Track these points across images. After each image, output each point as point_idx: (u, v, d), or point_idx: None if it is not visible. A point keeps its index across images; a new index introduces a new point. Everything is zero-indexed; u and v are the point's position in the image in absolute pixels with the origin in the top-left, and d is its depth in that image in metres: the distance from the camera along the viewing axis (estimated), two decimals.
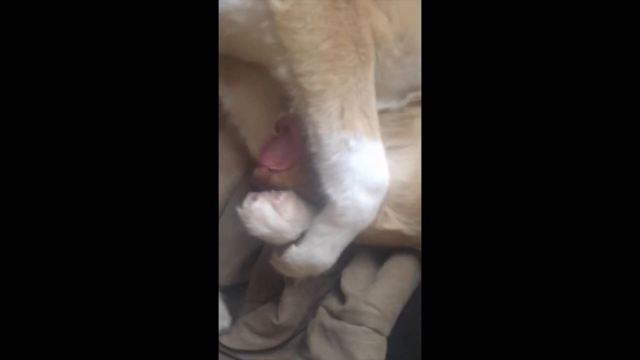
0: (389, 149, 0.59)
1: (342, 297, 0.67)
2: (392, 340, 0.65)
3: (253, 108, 0.73)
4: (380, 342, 0.63)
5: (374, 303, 0.63)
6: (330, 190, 0.55)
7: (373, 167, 0.55)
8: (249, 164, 0.80)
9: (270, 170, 0.63)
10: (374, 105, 0.56)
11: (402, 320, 0.66)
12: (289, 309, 0.69)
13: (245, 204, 0.63)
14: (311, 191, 0.63)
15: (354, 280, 0.67)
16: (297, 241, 0.59)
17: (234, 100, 0.72)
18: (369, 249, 0.69)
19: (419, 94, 0.61)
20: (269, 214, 0.61)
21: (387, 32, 0.55)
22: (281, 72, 0.55)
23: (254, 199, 0.63)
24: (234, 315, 0.80)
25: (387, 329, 0.63)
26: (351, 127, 0.54)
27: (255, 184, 0.66)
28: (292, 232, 0.62)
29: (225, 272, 0.80)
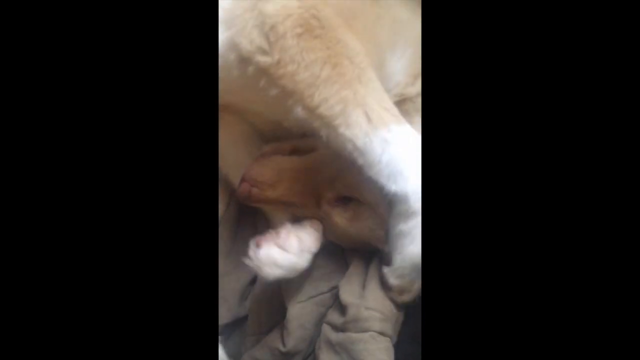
0: None
1: (342, 309, 0.67)
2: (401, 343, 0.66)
3: (230, 147, 0.75)
4: (388, 344, 0.63)
5: (374, 307, 0.63)
6: (395, 186, 0.56)
7: (415, 146, 0.57)
8: (231, 197, 0.81)
9: (251, 185, 0.64)
10: (387, 98, 0.58)
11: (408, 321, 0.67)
12: (295, 333, 0.69)
13: (252, 253, 0.64)
14: (298, 200, 0.66)
15: (351, 290, 0.68)
16: (386, 262, 0.59)
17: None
18: (360, 256, 0.71)
19: (392, 94, 0.64)
20: (277, 256, 0.63)
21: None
22: (298, 112, 0.57)
23: (258, 246, 0.64)
24: (237, 353, 0.79)
25: (391, 330, 0.64)
26: (381, 123, 0.56)
27: (240, 201, 0.68)
28: (302, 262, 0.65)
29: (224, 309, 0.79)
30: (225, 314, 0.79)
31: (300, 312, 0.70)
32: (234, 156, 0.76)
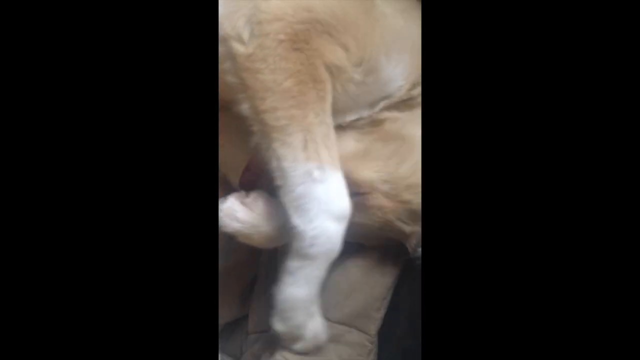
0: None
1: None
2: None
3: (226, 145, 0.75)
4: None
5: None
6: (298, 221, 0.57)
7: (337, 196, 0.57)
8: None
9: (258, 173, 0.64)
10: (333, 137, 0.59)
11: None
12: None
13: (220, 204, 0.63)
14: None
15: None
16: (270, 304, 0.60)
17: None
18: (365, 251, 0.71)
19: (391, 99, 0.65)
20: (238, 209, 0.62)
21: (345, 63, 0.59)
22: (244, 108, 0.58)
23: (225, 199, 0.64)
24: (238, 352, 0.80)
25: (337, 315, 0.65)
26: (315, 158, 0.57)
27: (245, 189, 0.67)
28: (267, 225, 0.63)
29: (225, 309, 0.79)
30: (226, 313, 0.80)
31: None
32: (230, 154, 0.76)
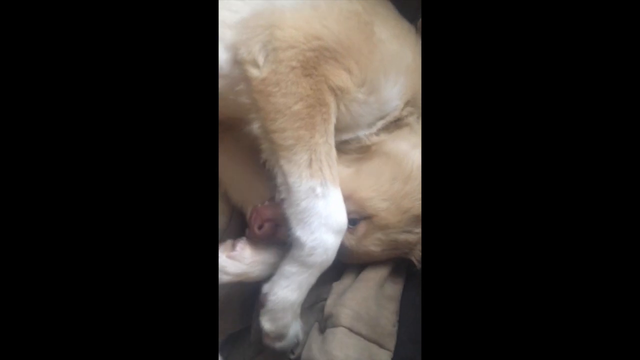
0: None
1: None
2: None
3: (230, 164, 0.79)
4: (357, 341, 0.66)
5: (347, 305, 0.68)
6: (300, 232, 0.62)
7: (336, 211, 0.63)
8: (233, 211, 0.84)
9: (276, 224, 0.67)
10: (334, 156, 0.64)
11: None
12: (303, 337, 0.72)
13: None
14: None
15: (336, 292, 0.72)
16: (261, 303, 0.65)
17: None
18: (354, 267, 0.74)
19: (387, 119, 0.70)
20: (226, 264, 0.69)
21: (349, 85, 0.64)
22: (254, 128, 0.63)
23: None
24: None
25: (363, 329, 0.67)
26: (319, 175, 0.62)
27: (262, 240, 0.70)
28: (255, 272, 0.70)
29: (227, 320, 0.81)
30: (229, 324, 0.82)
31: (303, 319, 0.73)
32: (231, 171, 0.79)
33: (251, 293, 0.82)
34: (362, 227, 0.69)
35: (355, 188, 0.68)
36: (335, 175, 0.63)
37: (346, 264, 0.76)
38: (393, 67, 0.67)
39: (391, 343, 0.67)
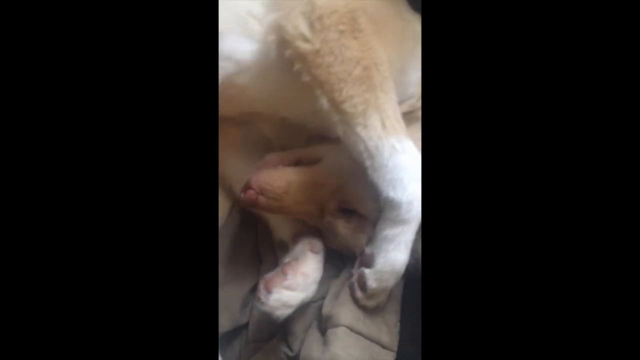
0: None
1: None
2: None
3: (235, 159, 0.78)
4: (359, 341, 0.65)
5: (346, 304, 0.66)
6: (392, 192, 0.60)
7: (417, 160, 0.61)
8: (233, 204, 0.83)
9: (258, 192, 0.66)
10: (399, 110, 0.63)
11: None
12: (301, 337, 0.70)
13: (263, 297, 0.67)
14: (303, 210, 0.68)
15: (333, 292, 0.70)
16: (367, 264, 0.62)
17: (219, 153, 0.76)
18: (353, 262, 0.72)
19: (402, 107, 0.68)
20: (287, 298, 0.67)
21: (384, 58, 0.62)
22: (323, 103, 0.61)
23: (268, 291, 0.67)
24: None
25: (364, 328, 0.66)
26: (394, 132, 0.61)
27: (243, 206, 0.70)
28: (310, 293, 0.69)
29: (225, 317, 0.79)
30: (226, 322, 0.80)
31: (304, 317, 0.71)
32: (236, 167, 0.78)
33: (246, 291, 0.81)
34: (355, 221, 0.68)
35: (353, 179, 0.67)
36: (403, 126, 0.62)
37: (344, 262, 0.75)
38: (416, 52, 0.66)
39: (393, 343, 0.66)
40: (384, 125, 0.60)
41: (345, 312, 0.65)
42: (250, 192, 0.66)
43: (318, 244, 0.73)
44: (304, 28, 0.60)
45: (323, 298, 0.72)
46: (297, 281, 0.68)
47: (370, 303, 0.66)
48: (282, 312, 0.67)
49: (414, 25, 0.68)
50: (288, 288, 0.67)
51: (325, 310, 0.68)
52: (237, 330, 0.82)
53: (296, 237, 0.75)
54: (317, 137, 0.74)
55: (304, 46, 0.60)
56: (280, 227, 0.78)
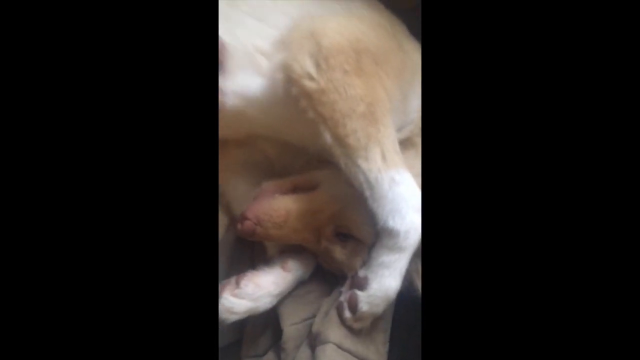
0: None
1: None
2: None
3: (235, 178, 0.82)
4: (345, 358, 0.67)
5: (335, 321, 0.68)
6: (392, 221, 0.63)
7: (415, 191, 0.65)
8: (230, 221, 0.85)
9: (255, 223, 0.69)
10: (397, 143, 0.67)
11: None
12: (292, 354, 0.72)
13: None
14: (300, 238, 0.71)
15: (322, 311, 0.73)
16: (360, 286, 0.65)
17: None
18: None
19: (402, 132, 0.73)
20: (232, 305, 0.70)
21: (388, 86, 0.66)
22: (326, 137, 0.64)
23: (220, 294, 0.70)
24: None
25: (352, 346, 0.68)
26: (393, 165, 0.64)
27: (241, 236, 0.72)
28: (261, 305, 0.72)
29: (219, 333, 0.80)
30: (220, 337, 0.81)
31: (295, 333, 0.74)
32: (235, 185, 0.81)
33: None
34: (351, 245, 0.71)
35: (350, 205, 0.69)
36: (402, 159, 0.65)
37: (337, 281, 0.77)
38: (415, 80, 0.70)
39: None
40: (384, 158, 0.63)
41: (334, 330, 0.68)
42: (248, 223, 0.68)
43: (292, 264, 0.75)
44: (310, 68, 0.63)
45: (314, 316, 0.74)
46: (246, 290, 0.70)
47: (357, 325, 0.68)
48: (227, 317, 0.70)
49: (413, 56, 0.72)
50: (236, 296, 0.70)
51: (315, 327, 0.70)
52: (232, 346, 0.83)
53: (280, 254, 0.78)
54: (315, 159, 0.76)
55: (310, 85, 0.63)
56: (273, 244, 0.80)
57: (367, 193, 0.64)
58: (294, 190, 0.73)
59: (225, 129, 0.68)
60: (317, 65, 0.63)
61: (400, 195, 0.63)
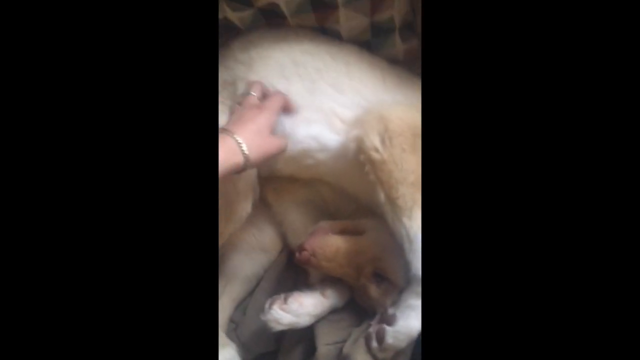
0: None
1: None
2: None
3: (293, 211, 0.99)
4: None
5: (362, 346, 0.80)
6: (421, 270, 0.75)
7: None
8: (284, 247, 1.00)
9: (311, 254, 0.84)
10: None
11: None
12: None
13: (265, 311, 0.85)
14: (344, 272, 0.85)
15: (352, 338, 0.85)
16: (389, 322, 0.79)
17: (280, 204, 0.99)
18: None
19: None
20: (279, 317, 0.84)
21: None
22: (381, 196, 0.80)
23: (270, 307, 0.86)
24: None
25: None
26: None
27: (298, 263, 0.88)
28: (302, 321, 0.86)
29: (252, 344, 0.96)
30: (262, 345, 0.95)
31: (327, 352, 0.87)
32: (294, 218, 0.97)
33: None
34: (385, 286, 0.84)
35: (390, 252, 0.83)
36: None
37: (367, 315, 0.90)
38: None
39: None
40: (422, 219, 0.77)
41: (362, 355, 0.80)
42: (305, 254, 0.84)
43: (330, 292, 0.89)
44: (377, 143, 0.80)
45: (345, 340, 0.87)
46: (292, 307, 0.84)
47: (381, 355, 0.80)
48: (274, 326, 0.83)
49: None
50: (283, 310, 0.84)
51: (345, 350, 0.83)
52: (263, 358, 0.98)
53: (321, 282, 0.92)
54: (362, 208, 0.92)
55: (375, 155, 0.80)
56: (315, 273, 0.95)
57: (406, 245, 0.78)
58: (345, 231, 0.88)
59: (297, 169, 0.83)
60: (383, 142, 0.80)
61: None
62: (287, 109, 0.85)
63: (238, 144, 0.72)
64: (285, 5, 0.90)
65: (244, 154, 0.72)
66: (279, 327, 0.84)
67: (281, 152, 0.81)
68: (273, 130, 0.80)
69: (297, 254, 0.85)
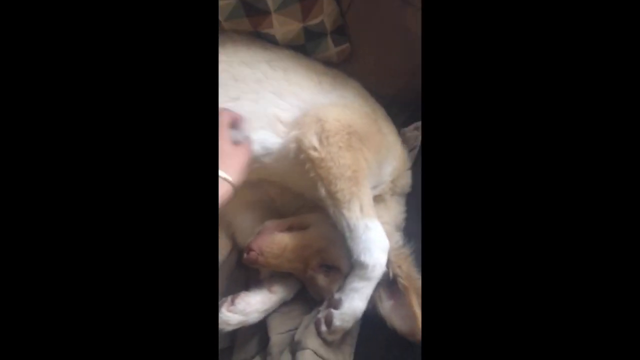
0: None
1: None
2: None
3: (243, 213, 1.03)
4: None
5: (313, 332, 0.87)
6: (363, 257, 0.84)
7: (383, 236, 0.86)
8: (233, 247, 1.04)
9: (258, 253, 0.89)
10: (372, 199, 0.89)
11: None
12: (276, 358, 0.89)
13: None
14: (291, 267, 0.91)
15: (303, 325, 0.91)
16: (335, 306, 0.86)
17: (228, 206, 0.99)
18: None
19: (376, 189, 0.96)
20: (227, 318, 0.90)
21: (369, 158, 0.90)
22: (322, 191, 0.87)
23: (220, 305, 0.91)
24: None
25: (325, 354, 0.86)
26: (368, 215, 0.86)
27: (246, 264, 0.92)
28: (250, 319, 0.92)
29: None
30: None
31: (280, 341, 0.92)
32: (242, 218, 1.02)
33: None
34: (332, 274, 0.91)
35: (333, 242, 0.89)
36: (374, 211, 0.88)
37: (316, 303, 0.96)
38: (390, 153, 0.97)
39: None
40: (361, 210, 0.86)
41: (312, 339, 0.87)
42: (253, 254, 0.88)
43: (277, 287, 0.95)
44: (315, 143, 0.87)
45: (296, 328, 0.92)
46: (239, 307, 0.90)
47: (330, 337, 0.87)
48: (223, 328, 0.88)
49: (389, 136, 0.98)
50: (231, 311, 0.90)
51: (297, 336, 0.89)
52: (222, 352, 1.00)
53: (269, 278, 0.97)
54: (308, 204, 0.98)
55: (314, 154, 0.86)
56: (265, 269, 0.99)
57: (347, 234, 0.86)
58: (290, 228, 0.94)
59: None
60: (320, 142, 0.86)
61: (371, 238, 0.85)
62: (235, 123, 0.89)
63: (221, 178, 0.77)
64: (219, 9, 0.93)
65: (228, 181, 0.78)
66: (229, 328, 0.89)
67: (250, 155, 0.87)
68: (232, 142, 0.85)
69: (244, 255, 0.89)
